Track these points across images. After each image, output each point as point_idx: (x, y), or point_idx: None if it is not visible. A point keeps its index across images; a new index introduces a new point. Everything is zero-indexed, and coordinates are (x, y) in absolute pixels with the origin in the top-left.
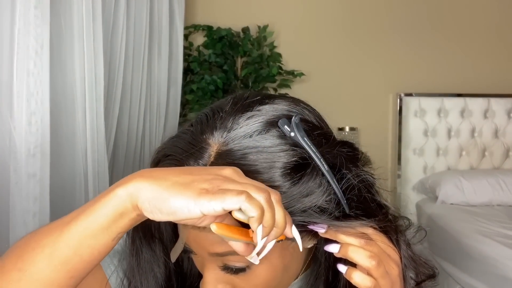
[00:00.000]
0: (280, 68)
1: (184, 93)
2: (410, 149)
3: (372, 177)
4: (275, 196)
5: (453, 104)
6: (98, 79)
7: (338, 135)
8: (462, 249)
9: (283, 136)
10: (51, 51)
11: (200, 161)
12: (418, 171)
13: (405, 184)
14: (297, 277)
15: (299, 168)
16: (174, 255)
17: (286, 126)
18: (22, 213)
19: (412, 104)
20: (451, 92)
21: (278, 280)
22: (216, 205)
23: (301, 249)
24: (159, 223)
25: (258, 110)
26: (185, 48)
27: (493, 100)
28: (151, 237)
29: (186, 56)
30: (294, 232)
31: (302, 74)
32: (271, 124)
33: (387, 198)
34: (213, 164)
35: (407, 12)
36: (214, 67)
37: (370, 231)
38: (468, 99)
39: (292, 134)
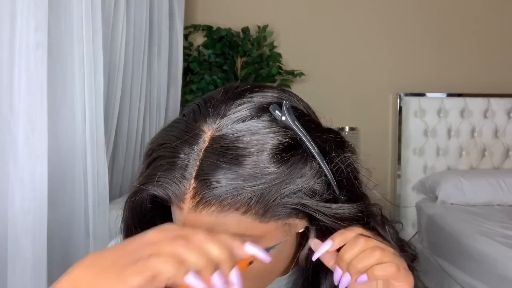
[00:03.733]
0: (280, 68)
1: (184, 93)
2: (410, 149)
3: (358, 164)
4: (199, 237)
5: (453, 104)
6: (97, 79)
7: None
8: (462, 249)
9: (274, 120)
10: (51, 51)
11: (195, 146)
12: (418, 171)
13: (405, 184)
14: (288, 271)
15: (290, 150)
16: None
17: (277, 111)
18: (21, 211)
19: (412, 104)
20: (451, 92)
21: (269, 273)
22: (139, 280)
23: (268, 261)
24: (156, 211)
25: (249, 97)
26: (185, 48)
27: (493, 100)
28: (145, 224)
29: (186, 56)
30: (251, 250)
31: (302, 74)
32: (262, 110)
33: (374, 188)
34: (207, 148)
35: (407, 12)
36: (214, 67)
37: (360, 230)
38: (468, 99)
39: (283, 118)
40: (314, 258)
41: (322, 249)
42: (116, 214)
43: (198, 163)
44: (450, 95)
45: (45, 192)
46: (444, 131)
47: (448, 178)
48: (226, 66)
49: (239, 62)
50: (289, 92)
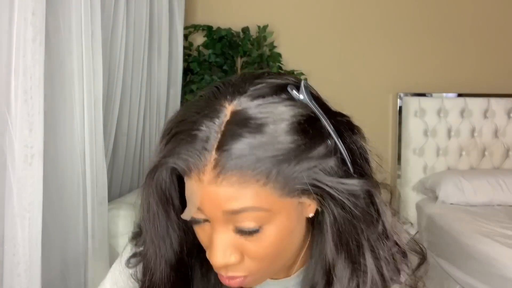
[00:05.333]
0: (280, 68)
1: (184, 93)
2: (410, 149)
3: (368, 148)
4: None
5: (453, 104)
6: (97, 79)
7: None
8: (462, 249)
9: (292, 98)
10: (49, 51)
11: (216, 119)
12: (418, 171)
13: (405, 184)
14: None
15: (308, 123)
16: (187, 214)
17: (294, 91)
18: (18, 212)
19: (412, 104)
20: (451, 92)
21: (285, 244)
22: None
23: None
24: (171, 186)
25: (267, 78)
26: (185, 48)
27: (493, 100)
28: (166, 201)
29: (186, 56)
30: None
31: (302, 74)
32: (281, 89)
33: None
34: (229, 121)
35: (407, 12)
36: (214, 67)
37: None
38: (468, 99)
39: (301, 97)
40: None
41: None
42: (116, 214)
43: (219, 135)
44: (450, 95)
45: (40, 193)
46: (444, 131)
47: (448, 178)
48: (226, 66)
49: (239, 62)
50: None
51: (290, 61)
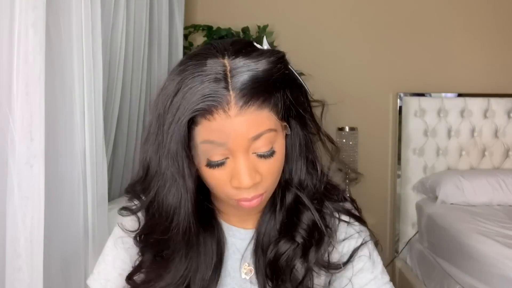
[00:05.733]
0: None
1: None
2: (410, 149)
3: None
4: None
5: (453, 104)
6: (97, 79)
7: (338, 135)
8: (462, 249)
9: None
10: (50, 51)
11: (220, 67)
12: (418, 171)
13: (405, 184)
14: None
15: (288, 66)
16: (216, 154)
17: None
18: (19, 211)
19: (412, 104)
20: (451, 92)
21: (283, 160)
22: None
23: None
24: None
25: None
26: (185, 48)
27: (493, 100)
28: (186, 144)
29: None
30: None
31: (301, 73)
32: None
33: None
34: (230, 63)
35: (407, 12)
36: None
37: None
38: (468, 99)
39: (265, 47)
40: None
41: None
42: (115, 214)
43: (230, 74)
44: (450, 95)
45: (42, 192)
46: (444, 131)
47: (448, 178)
48: None
49: None
50: None
51: (290, 61)
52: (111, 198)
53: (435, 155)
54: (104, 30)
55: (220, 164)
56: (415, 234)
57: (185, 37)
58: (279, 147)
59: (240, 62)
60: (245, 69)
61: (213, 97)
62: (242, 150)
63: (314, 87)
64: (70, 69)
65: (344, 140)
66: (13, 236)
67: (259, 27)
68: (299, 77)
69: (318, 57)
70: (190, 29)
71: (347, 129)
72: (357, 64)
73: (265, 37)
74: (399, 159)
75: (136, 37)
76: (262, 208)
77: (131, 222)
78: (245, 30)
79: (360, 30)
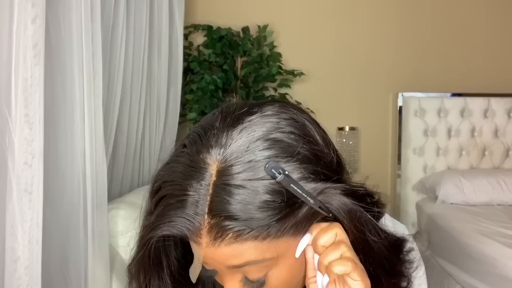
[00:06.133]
0: (280, 67)
1: (184, 92)
2: (410, 148)
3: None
4: None
5: (453, 104)
6: (97, 79)
7: (338, 135)
8: (462, 249)
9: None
10: (50, 51)
11: (203, 181)
12: (418, 171)
13: (405, 184)
14: None
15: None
16: (193, 276)
17: (273, 170)
18: (18, 212)
19: (412, 104)
20: (451, 92)
21: (298, 277)
22: None
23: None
24: (169, 250)
25: (249, 121)
26: (185, 47)
27: (493, 100)
28: (159, 265)
29: (186, 56)
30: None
31: (302, 73)
32: (263, 139)
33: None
34: (216, 182)
35: (407, 12)
36: (214, 66)
37: (337, 226)
38: (468, 99)
39: (279, 179)
40: (297, 254)
41: (302, 243)
42: (115, 214)
43: (209, 197)
44: (450, 95)
45: (41, 193)
46: (444, 131)
47: (448, 178)
48: (226, 65)
49: (239, 61)
50: (289, 106)
51: (290, 60)
52: (111, 198)
53: (435, 155)
54: (104, 31)
55: (211, 274)
56: (415, 234)
57: (185, 37)
58: (282, 271)
59: (228, 173)
60: (232, 191)
61: (183, 219)
62: (225, 274)
63: (314, 87)
64: (70, 69)
65: (344, 140)
66: (12, 236)
67: (259, 26)
68: (302, 193)
69: (318, 57)
70: (190, 29)
71: (347, 129)
72: (357, 64)
73: (270, 168)
74: (399, 159)
75: (136, 37)
76: None
77: None
78: (245, 30)
79: (360, 29)
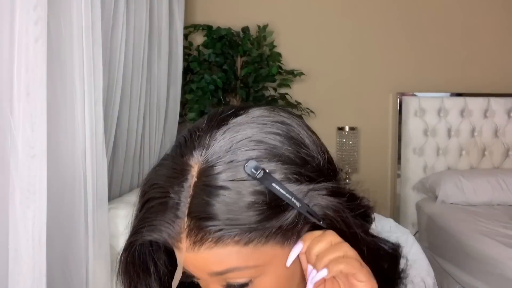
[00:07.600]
0: (280, 67)
1: (184, 92)
2: (410, 148)
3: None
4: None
5: (453, 104)
6: (97, 79)
7: (338, 135)
8: (462, 248)
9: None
10: (50, 51)
11: (184, 183)
12: (418, 171)
13: (405, 184)
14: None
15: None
16: (174, 283)
17: (252, 170)
18: (21, 212)
19: (412, 104)
20: (451, 91)
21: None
22: None
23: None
24: (158, 255)
25: (233, 123)
26: (184, 47)
27: (493, 100)
28: (146, 271)
29: (186, 56)
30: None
31: (302, 73)
32: (247, 139)
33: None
34: (196, 184)
35: (407, 12)
36: (214, 66)
37: (331, 233)
38: (468, 99)
39: (258, 176)
40: (288, 263)
41: (294, 252)
42: (115, 214)
43: (189, 200)
44: (450, 94)
45: (44, 193)
46: (444, 131)
47: (448, 177)
48: (226, 65)
49: (239, 61)
50: (278, 109)
51: (290, 60)
52: (111, 198)
53: (435, 155)
54: (104, 31)
55: (191, 277)
56: (415, 234)
57: (185, 37)
58: (269, 280)
59: (209, 173)
60: (213, 192)
61: (163, 223)
62: (207, 281)
63: (314, 87)
64: (71, 69)
65: (344, 140)
66: (15, 237)
67: (259, 26)
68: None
69: (318, 57)
70: (190, 29)
71: (347, 129)
72: (357, 64)
73: (250, 168)
74: (399, 159)
75: (136, 37)
76: None
77: None
78: (245, 30)
79: (360, 30)
